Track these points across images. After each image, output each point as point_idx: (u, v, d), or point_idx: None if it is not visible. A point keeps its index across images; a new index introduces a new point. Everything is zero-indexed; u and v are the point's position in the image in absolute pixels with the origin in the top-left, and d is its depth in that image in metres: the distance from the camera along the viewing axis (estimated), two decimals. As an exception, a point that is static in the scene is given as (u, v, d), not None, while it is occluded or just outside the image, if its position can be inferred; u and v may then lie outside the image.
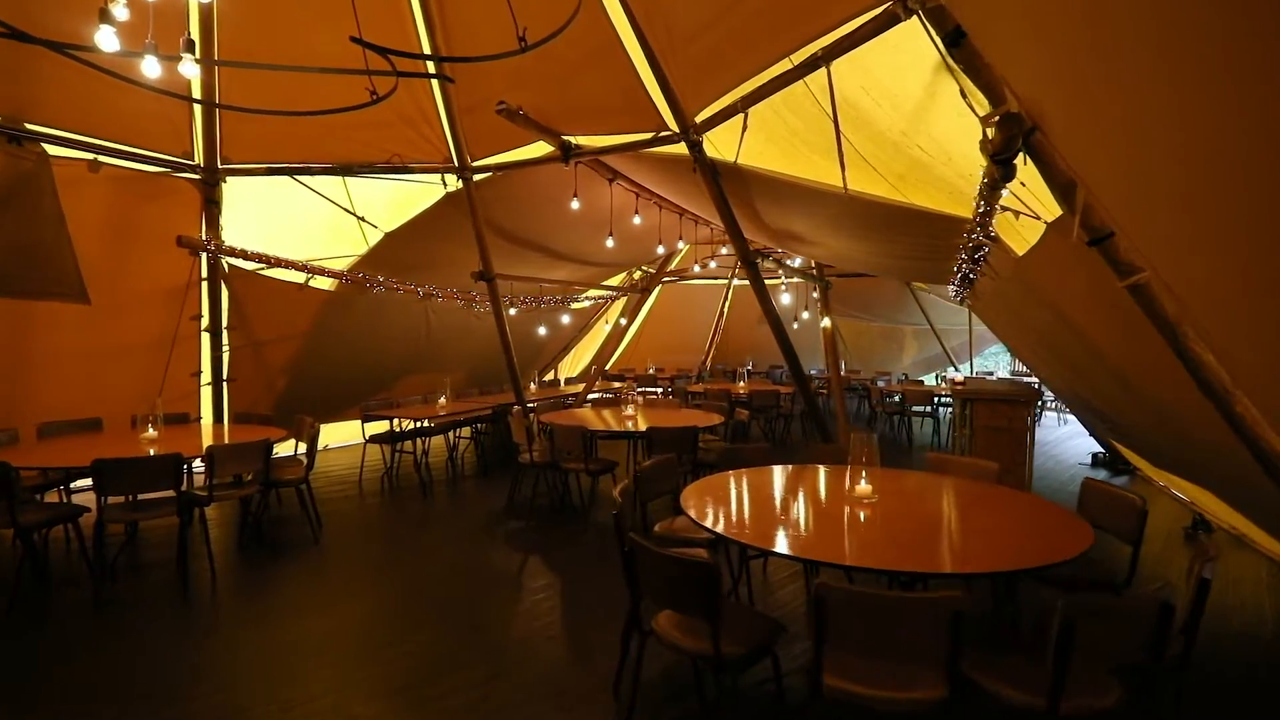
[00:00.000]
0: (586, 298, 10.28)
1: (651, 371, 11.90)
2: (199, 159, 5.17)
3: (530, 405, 6.68)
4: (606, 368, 11.46)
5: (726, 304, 13.31)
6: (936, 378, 13.89)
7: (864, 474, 2.84)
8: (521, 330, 8.04)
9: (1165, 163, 1.91)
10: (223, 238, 5.49)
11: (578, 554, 4.37)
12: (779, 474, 3.34)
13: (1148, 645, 1.69)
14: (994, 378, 10.92)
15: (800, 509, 2.75)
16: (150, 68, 2.27)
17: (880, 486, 2.91)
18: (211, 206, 5.37)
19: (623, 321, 10.69)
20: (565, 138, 5.04)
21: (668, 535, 3.32)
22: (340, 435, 7.79)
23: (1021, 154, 2.37)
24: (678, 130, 4.35)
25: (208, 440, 4.49)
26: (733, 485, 3.10)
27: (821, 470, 3.41)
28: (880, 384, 10.33)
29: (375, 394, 7.35)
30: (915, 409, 9.01)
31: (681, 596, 2.08)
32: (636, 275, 11.05)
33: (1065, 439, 9.08)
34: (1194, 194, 1.89)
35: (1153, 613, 1.67)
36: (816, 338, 11.02)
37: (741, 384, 9.30)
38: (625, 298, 11.36)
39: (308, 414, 5.01)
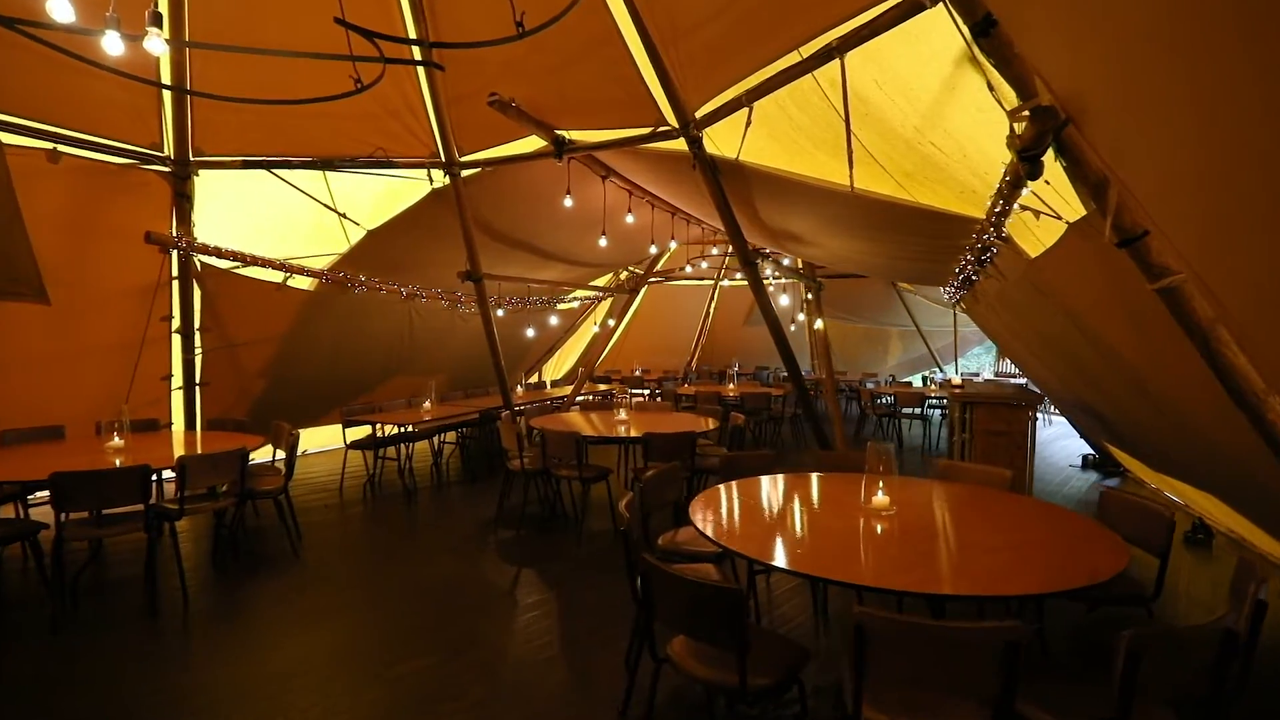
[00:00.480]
0: (574, 298, 10.10)
1: (638, 373, 11.75)
2: (169, 150, 4.88)
3: (518, 409, 6.48)
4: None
5: (712, 305, 13.21)
6: (923, 379, 13.93)
7: (880, 485, 2.72)
8: (506, 331, 7.83)
9: (1217, 157, 1.80)
10: (195, 234, 5.21)
11: (572, 566, 4.19)
12: (788, 484, 3.20)
13: (1209, 674, 1.58)
14: (979, 379, 10.96)
15: (815, 522, 2.62)
16: (112, 44, 2.05)
17: (896, 497, 2.78)
18: (182, 201, 5.08)
19: (610, 323, 10.52)
20: (559, 132, 4.86)
21: (672, 549, 3.16)
22: (319, 440, 7.51)
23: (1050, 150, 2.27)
24: (677, 125, 4.20)
25: (179, 449, 4.23)
26: (741, 496, 2.95)
27: (833, 480, 3.28)
28: (869, 386, 10.29)
29: (356, 398, 7.09)
30: (905, 411, 8.97)
31: (703, 624, 1.93)
32: (623, 276, 10.89)
33: (1052, 440, 9.11)
34: (1248, 189, 1.78)
35: (1215, 641, 1.55)
36: (802, 339, 10.96)
37: (731, 386, 9.18)
38: (611, 298, 11.19)
39: (286, 419, 4.76)
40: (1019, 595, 1.88)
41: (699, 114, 4.08)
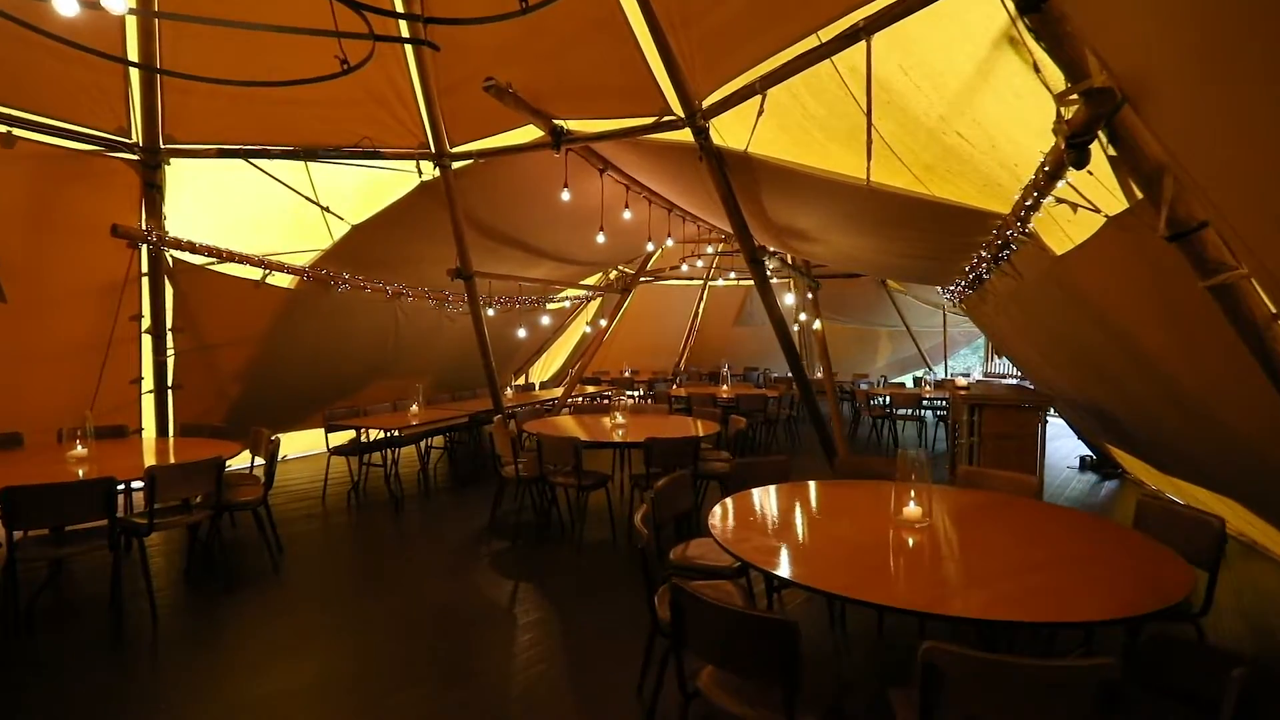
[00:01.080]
0: (564, 297, 9.86)
1: (627, 374, 11.54)
2: (137, 136, 4.56)
3: (509, 412, 6.24)
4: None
5: (701, 305, 13.04)
6: (914, 380, 13.90)
7: (912, 494, 2.54)
8: (495, 332, 7.59)
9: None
10: (166, 228, 4.89)
11: (573, 581, 3.97)
12: (804, 493, 3.02)
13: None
14: (972, 378, 10.92)
15: (844, 536, 2.43)
16: (65, 5, 1.80)
17: (923, 507, 2.61)
18: (152, 191, 4.76)
19: (602, 322, 10.29)
20: (556, 122, 4.63)
21: (685, 564, 2.97)
22: (300, 445, 7.19)
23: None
24: (683, 115, 4.00)
25: (149, 458, 3.94)
26: (759, 507, 2.76)
27: (852, 488, 3.11)
28: (863, 386, 10.19)
29: (339, 401, 6.79)
30: (900, 412, 8.87)
31: (746, 657, 1.72)
32: (613, 275, 10.68)
33: (1047, 441, 9.05)
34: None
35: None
36: (797, 340, 10.80)
37: (724, 387, 9.01)
38: (601, 298, 10.96)
39: (264, 424, 4.48)
40: (1095, 622, 1.70)
41: (707, 103, 3.88)
